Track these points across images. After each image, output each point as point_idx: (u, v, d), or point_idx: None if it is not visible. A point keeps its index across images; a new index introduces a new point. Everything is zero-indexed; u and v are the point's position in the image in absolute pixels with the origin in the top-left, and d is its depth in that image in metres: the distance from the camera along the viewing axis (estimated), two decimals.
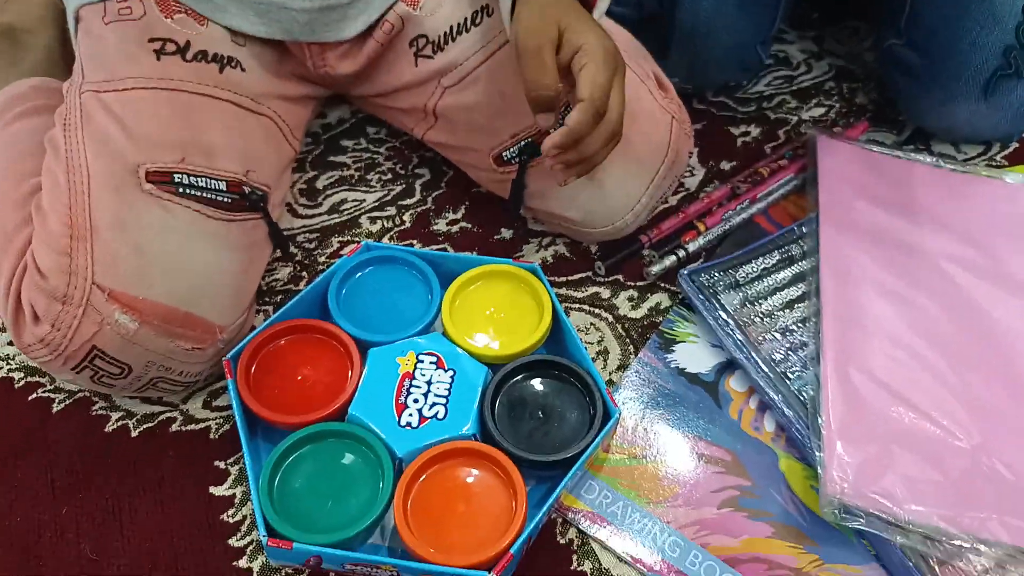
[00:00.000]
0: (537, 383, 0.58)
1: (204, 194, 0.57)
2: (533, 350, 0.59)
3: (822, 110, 0.83)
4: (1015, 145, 0.80)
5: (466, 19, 0.65)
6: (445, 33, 0.66)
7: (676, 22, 0.73)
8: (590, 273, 0.70)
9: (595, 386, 0.56)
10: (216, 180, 0.58)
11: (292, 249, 0.72)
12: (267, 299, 0.68)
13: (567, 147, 0.54)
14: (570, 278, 0.70)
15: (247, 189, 0.60)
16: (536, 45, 0.53)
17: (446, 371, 0.57)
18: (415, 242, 0.73)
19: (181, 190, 0.57)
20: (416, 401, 0.55)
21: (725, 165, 0.78)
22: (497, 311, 0.61)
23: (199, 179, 0.57)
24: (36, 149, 0.61)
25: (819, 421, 0.56)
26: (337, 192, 0.77)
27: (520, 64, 0.54)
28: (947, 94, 0.71)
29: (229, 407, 0.61)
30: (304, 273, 0.70)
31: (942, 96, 0.71)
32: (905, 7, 0.73)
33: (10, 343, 0.66)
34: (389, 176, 0.78)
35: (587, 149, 0.55)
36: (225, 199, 0.59)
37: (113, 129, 0.57)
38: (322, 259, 0.71)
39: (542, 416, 0.56)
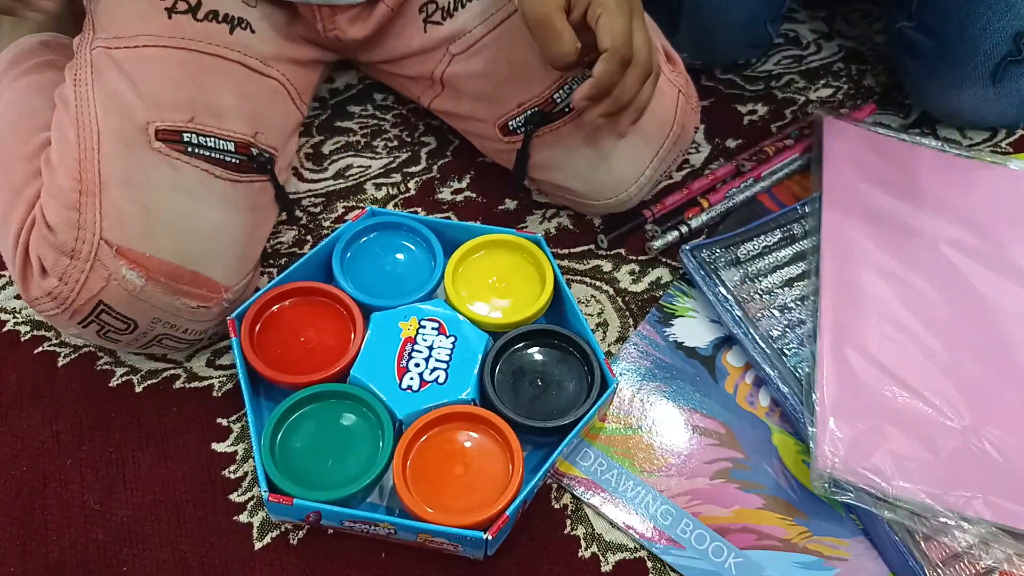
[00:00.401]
0: (537, 352, 0.59)
1: (213, 154, 0.58)
2: (534, 320, 0.60)
3: (830, 91, 0.83)
4: (1020, 132, 0.80)
5: None
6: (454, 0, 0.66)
7: None
8: (592, 246, 0.71)
9: (594, 356, 0.57)
10: (225, 140, 0.58)
11: (297, 213, 0.72)
12: (272, 261, 0.69)
13: (599, 98, 0.56)
14: (572, 250, 0.71)
15: (255, 151, 0.61)
16: (544, 13, 0.53)
17: (448, 337, 0.58)
18: (420, 209, 0.73)
19: (190, 149, 0.57)
20: (417, 365, 0.56)
21: (731, 143, 0.78)
22: (500, 280, 0.62)
23: (208, 139, 0.58)
24: (46, 104, 0.62)
25: (813, 397, 0.57)
26: (343, 157, 0.77)
27: (533, 36, 0.54)
28: (956, 78, 0.71)
29: (233, 366, 0.62)
30: (309, 237, 0.71)
31: (951, 80, 0.72)
32: None
33: (16, 296, 0.67)
34: (395, 143, 0.78)
35: (624, 95, 0.56)
36: (233, 160, 0.59)
37: (124, 86, 0.57)
38: (327, 223, 0.72)
39: (541, 384, 0.57)
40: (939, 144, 0.75)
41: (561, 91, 0.63)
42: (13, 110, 0.64)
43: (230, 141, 0.59)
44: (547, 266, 0.61)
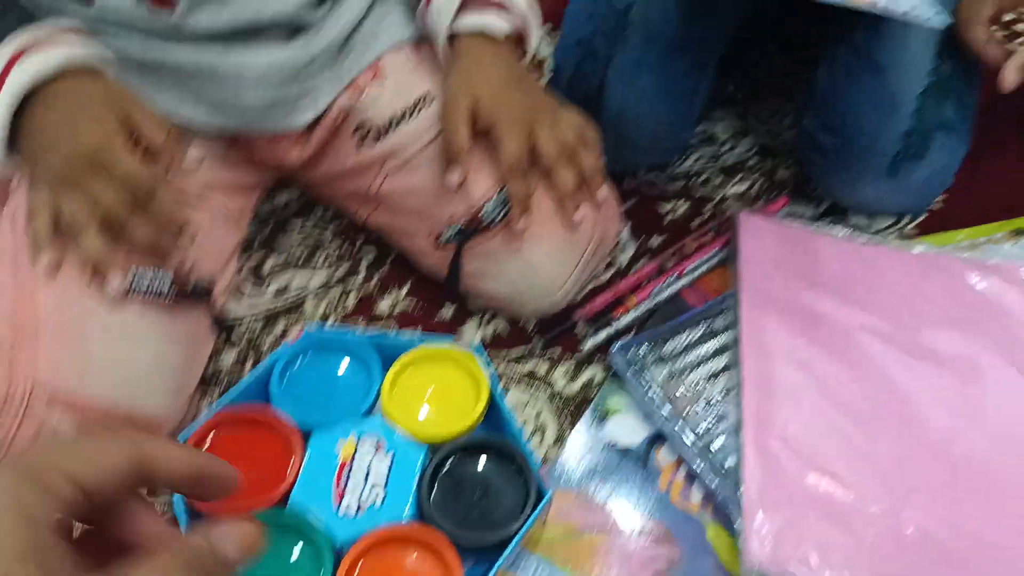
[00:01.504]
0: (474, 463, 0.60)
1: (149, 290, 0.59)
2: (471, 431, 0.62)
3: (745, 186, 0.88)
4: (924, 215, 0.86)
5: (407, 109, 0.69)
6: (387, 121, 0.70)
7: (604, 108, 0.78)
8: (527, 349, 0.73)
9: (527, 467, 0.59)
10: (161, 276, 0.60)
11: (237, 335, 0.74)
12: (213, 385, 0.70)
13: (523, 209, 0.63)
14: (509, 353, 0.73)
15: (192, 282, 0.63)
16: (451, 111, 0.63)
17: (386, 454, 0.59)
18: (360, 321, 0.75)
19: (127, 287, 0.59)
20: (355, 488, 0.57)
21: (655, 240, 0.83)
22: (436, 392, 0.64)
23: (144, 276, 0.59)
24: None
25: (739, 491, 0.60)
26: (283, 274, 0.79)
27: (442, 121, 0.63)
28: (855, 173, 0.76)
29: (170, 496, 0.62)
30: (249, 358, 0.72)
31: (851, 175, 0.77)
32: (817, 91, 0.79)
33: None
34: (335, 257, 0.81)
35: (562, 183, 0.63)
36: (170, 294, 0.61)
37: None
38: (267, 343, 0.73)
39: (479, 495, 0.58)
40: (848, 232, 0.80)
41: (489, 205, 0.66)
42: None
43: (166, 276, 0.61)
44: (482, 377, 0.63)
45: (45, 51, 0.54)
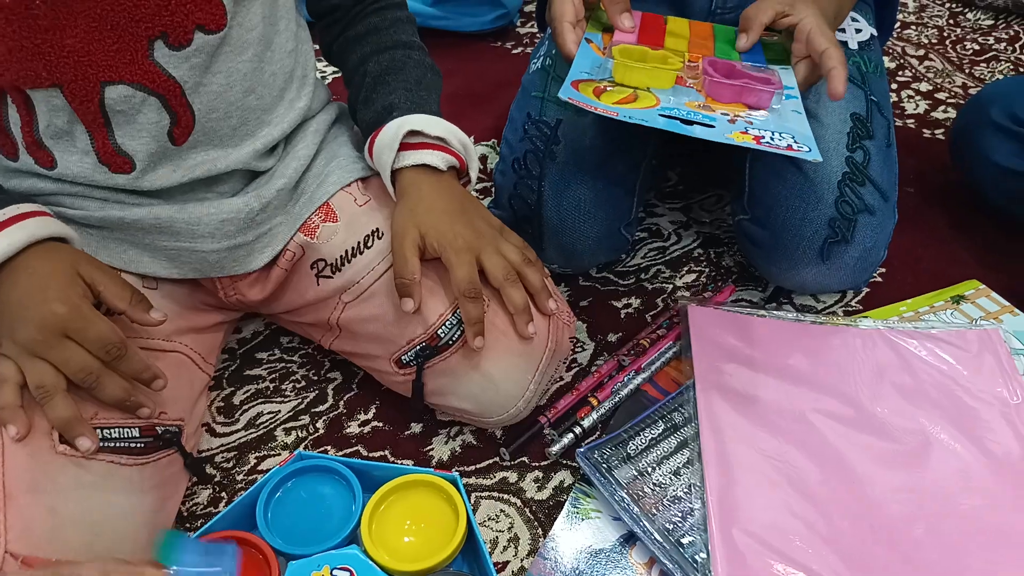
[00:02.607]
0: None
1: (118, 444, 0.61)
2: (447, 563, 0.62)
3: (693, 275, 0.92)
4: (867, 289, 0.90)
5: (359, 243, 0.73)
6: (341, 256, 0.73)
7: (544, 220, 0.82)
8: (496, 459, 0.75)
9: None
10: (129, 428, 0.62)
11: (210, 471, 0.75)
12: (188, 525, 0.71)
13: (477, 330, 0.66)
14: (478, 466, 0.75)
15: (160, 429, 0.64)
16: (399, 244, 0.67)
17: None
18: (329, 448, 0.77)
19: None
20: None
21: (612, 337, 0.86)
22: (415, 522, 0.64)
23: (112, 430, 0.61)
24: None
25: None
26: (254, 405, 0.81)
27: (392, 254, 0.68)
28: (790, 261, 0.81)
29: None
30: (223, 494, 0.73)
31: (787, 263, 0.81)
32: (745, 187, 0.84)
33: None
34: (303, 383, 0.83)
35: (511, 301, 0.67)
36: (139, 444, 0.62)
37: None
38: (240, 477, 0.74)
39: None
40: (795, 315, 0.83)
41: (444, 327, 0.69)
42: None
43: (135, 427, 0.62)
44: (461, 505, 0.64)
45: (9, 230, 0.57)
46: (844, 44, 0.87)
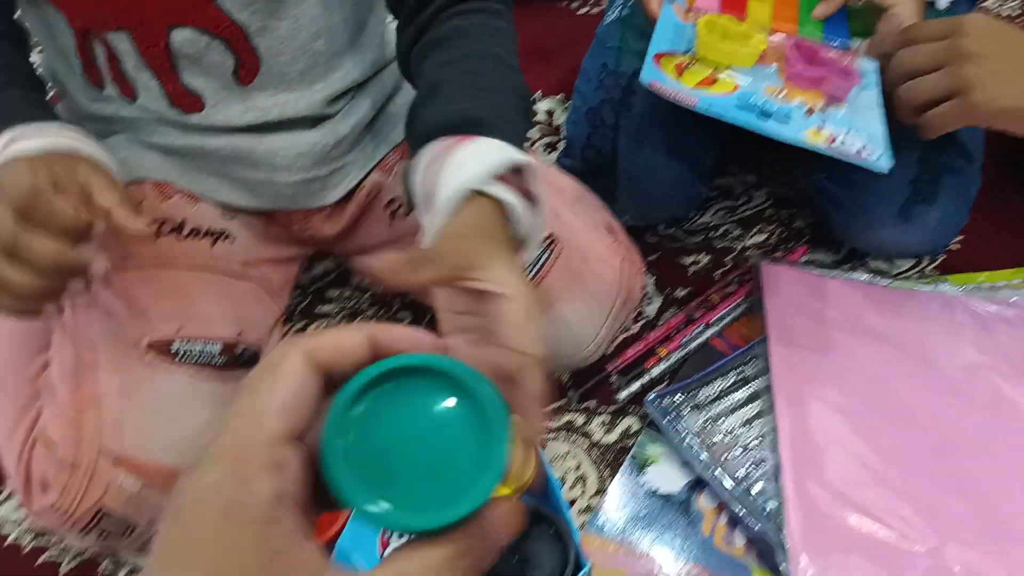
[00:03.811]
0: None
1: (200, 359, 0.63)
2: (517, 496, 0.62)
3: (764, 236, 0.91)
4: (943, 255, 0.88)
5: None
6: None
7: (619, 170, 0.82)
8: (564, 401, 0.75)
9: (569, 537, 0.59)
10: (211, 344, 0.64)
11: None
12: None
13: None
14: (544, 408, 0.75)
15: (239, 349, 0.66)
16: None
17: None
18: None
19: (179, 357, 0.62)
20: (401, 536, 0.59)
21: (680, 292, 0.85)
22: None
23: (195, 345, 0.63)
24: (44, 325, 0.67)
25: (782, 535, 0.60)
26: None
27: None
28: (869, 221, 0.79)
29: None
30: None
31: (864, 222, 0.80)
32: None
33: (17, 508, 0.70)
34: (373, 322, 0.84)
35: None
36: (220, 361, 0.64)
37: (117, 306, 0.62)
38: None
39: (517, 562, 0.59)
40: (869, 276, 0.82)
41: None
42: (15, 333, 0.69)
43: (216, 344, 0.64)
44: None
45: (35, 136, 0.52)
46: (931, 3, 0.84)
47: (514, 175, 0.46)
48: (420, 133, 0.50)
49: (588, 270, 0.69)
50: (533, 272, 0.68)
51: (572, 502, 0.68)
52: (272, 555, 0.23)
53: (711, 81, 0.68)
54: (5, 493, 0.72)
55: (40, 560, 0.66)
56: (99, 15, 0.59)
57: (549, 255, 0.70)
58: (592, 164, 0.85)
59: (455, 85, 0.52)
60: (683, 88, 0.66)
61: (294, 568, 0.23)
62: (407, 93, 0.76)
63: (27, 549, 0.67)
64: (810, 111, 0.67)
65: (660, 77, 0.67)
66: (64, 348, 0.62)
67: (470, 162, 0.45)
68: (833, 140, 0.65)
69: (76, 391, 0.59)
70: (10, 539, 0.68)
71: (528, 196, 0.46)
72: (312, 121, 0.70)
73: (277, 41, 0.63)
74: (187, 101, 0.64)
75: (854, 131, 0.66)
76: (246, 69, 0.63)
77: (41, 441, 0.59)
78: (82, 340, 0.61)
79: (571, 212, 0.73)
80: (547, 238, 0.70)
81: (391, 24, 0.74)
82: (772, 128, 0.65)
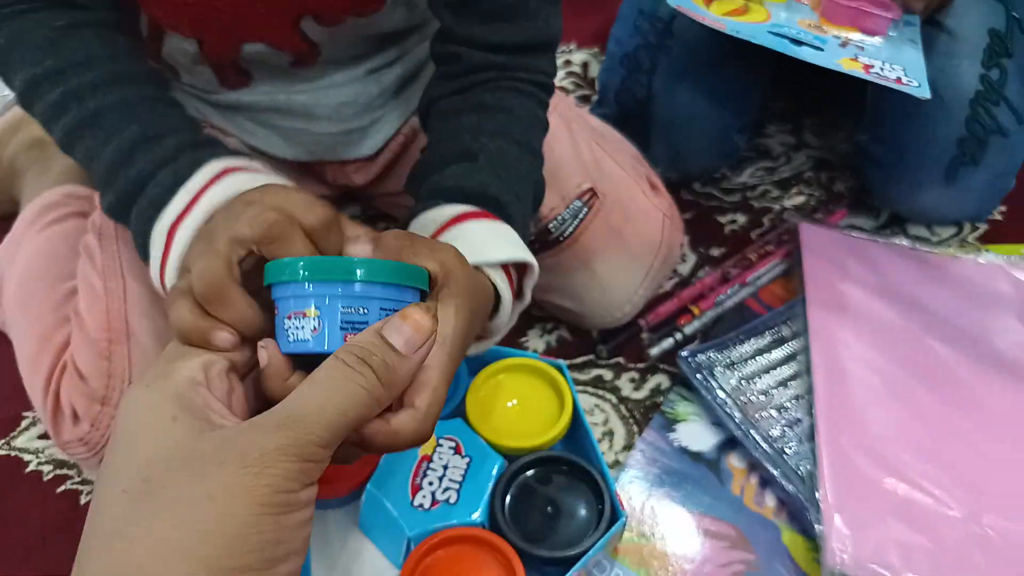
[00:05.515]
0: (549, 478, 0.59)
1: None
2: (549, 446, 0.61)
3: (803, 198, 0.89)
4: (985, 226, 0.86)
5: None
6: None
7: (654, 116, 0.79)
8: (592, 356, 0.74)
9: (606, 488, 0.58)
10: None
11: None
12: None
13: None
14: (573, 361, 0.74)
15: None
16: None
17: (463, 457, 0.60)
18: None
19: None
20: (431, 484, 0.58)
21: (715, 251, 0.83)
22: (519, 404, 0.63)
23: None
24: (70, 253, 0.66)
25: (817, 495, 0.59)
26: None
27: None
28: (913, 182, 0.77)
29: None
30: None
31: (909, 184, 0.77)
32: (868, 105, 0.80)
33: (39, 437, 0.69)
34: None
35: None
36: None
37: None
38: None
39: (551, 511, 0.58)
40: (910, 242, 0.80)
41: (555, 220, 0.68)
42: (40, 259, 0.68)
43: None
44: (567, 393, 0.62)
45: (250, 173, 0.48)
46: None
47: (514, 269, 0.49)
48: (440, 187, 0.51)
49: (629, 227, 0.68)
50: (571, 226, 0.66)
51: None
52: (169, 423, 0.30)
53: (743, 11, 0.66)
54: (25, 422, 0.71)
55: (61, 489, 0.66)
56: (175, 20, 0.57)
57: (588, 211, 0.68)
58: (627, 108, 0.82)
59: (490, 158, 0.52)
60: (711, 14, 0.64)
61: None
62: None
63: (48, 477, 0.66)
64: (845, 44, 0.64)
65: (689, 4, 0.64)
66: (91, 277, 0.61)
67: (488, 245, 0.47)
68: (870, 68, 0.62)
69: (105, 324, 0.58)
70: (31, 467, 0.67)
71: (516, 294, 0.49)
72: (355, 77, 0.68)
73: (342, 44, 0.62)
74: (236, 82, 0.63)
75: (892, 63, 0.63)
76: (303, 63, 0.62)
77: (71, 371, 0.58)
78: (110, 270, 0.60)
79: (613, 162, 0.71)
80: (587, 192, 0.68)
81: None
82: (806, 53, 0.62)
